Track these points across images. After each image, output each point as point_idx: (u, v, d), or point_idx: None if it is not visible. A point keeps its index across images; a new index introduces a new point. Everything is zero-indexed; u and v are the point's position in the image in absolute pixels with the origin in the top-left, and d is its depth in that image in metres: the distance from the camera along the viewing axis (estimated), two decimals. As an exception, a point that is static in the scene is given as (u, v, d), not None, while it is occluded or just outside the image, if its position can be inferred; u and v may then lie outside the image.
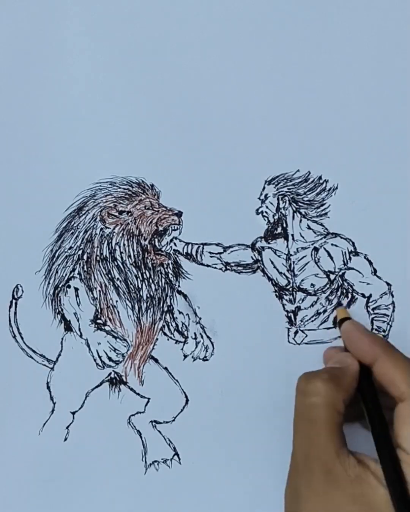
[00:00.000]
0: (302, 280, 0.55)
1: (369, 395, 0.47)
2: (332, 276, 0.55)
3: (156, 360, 0.55)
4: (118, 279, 0.55)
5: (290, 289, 0.55)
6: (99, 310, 0.56)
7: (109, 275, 0.55)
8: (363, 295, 0.55)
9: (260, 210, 0.56)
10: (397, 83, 0.56)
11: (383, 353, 0.46)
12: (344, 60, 0.56)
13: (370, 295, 0.55)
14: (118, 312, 0.55)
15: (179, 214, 0.56)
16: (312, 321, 0.55)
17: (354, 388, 0.46)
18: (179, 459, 0.54)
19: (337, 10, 0.57)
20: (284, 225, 0.56)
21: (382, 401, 0.47)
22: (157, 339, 0.56)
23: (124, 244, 0.56)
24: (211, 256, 0.56)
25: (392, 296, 0.55)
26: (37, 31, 0.58)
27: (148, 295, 0.55)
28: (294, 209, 0.56)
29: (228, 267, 0.56)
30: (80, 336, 0.55)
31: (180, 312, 0.56)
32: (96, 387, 0.55)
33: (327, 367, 0.49)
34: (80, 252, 0.56)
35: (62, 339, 0.55)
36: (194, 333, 0.55)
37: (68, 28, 0.58)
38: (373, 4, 0.57)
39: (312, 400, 0.44)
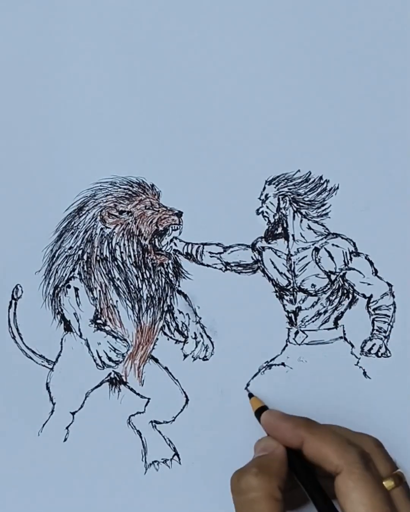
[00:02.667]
0: (303, 281, 0.55)
1: (304, 474, 0.47)
2: (332, 277, 0.55)
3: (156, 360, 0.55)
4: (118, 279, 0.55)
5: (291, 289, 0.55)
6: (99, 310, 0.55)
7: (109, 275, 0.55)
8: (364, 296, 0.55)
9: (260, 210, 0.56)
10: (397, 83, 0.56)
11: (307, 433, 0.46)
12: (345, 60, 0.56)
13: (371, 296, 0.55)
14: (118, 312, 0.55)
15: (179, 214, 0.56)
16: (313, 321, 0.55)
17: (285, 470, 0.46)
18: (179, 459, 0.54)
19: (337, 10, 0.57)
20: (285, 225, 0.56)
21: (322, 471, 0.46)
22: (157, 339, 0.55)
23: (124, 244, 0.56)
24: (211, 256, 0.56)
25: (393, 296, 0.55)
26: (37, 31, 0.58)
27: (148, 295, 0.55)
28: (295, 209, 0.56)
29: (228, 267, 0.55)
30: (80, 336, 0.55)
31: (180, 312, 0.55)
32: (96, 387, 0.55)
33: (254, 458, 0.48)
34: (80, 252, 0.56)
35: (62, 339, 0.55)
36: (194, 333, 0.55)
37: (68, 28, 0.57)
38: (373, 4, 0.57)
39: (249, 496, 0.44)
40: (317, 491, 0.46)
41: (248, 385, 0.54)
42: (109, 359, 0.55)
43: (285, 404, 0.54)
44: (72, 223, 0.56)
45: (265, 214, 0.56)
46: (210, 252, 0.56)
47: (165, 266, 0.56)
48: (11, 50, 0.58)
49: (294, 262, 0.55)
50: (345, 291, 0.55)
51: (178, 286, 0.56)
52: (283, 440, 0.48)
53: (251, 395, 0.54)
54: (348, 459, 0.44)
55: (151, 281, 0.55)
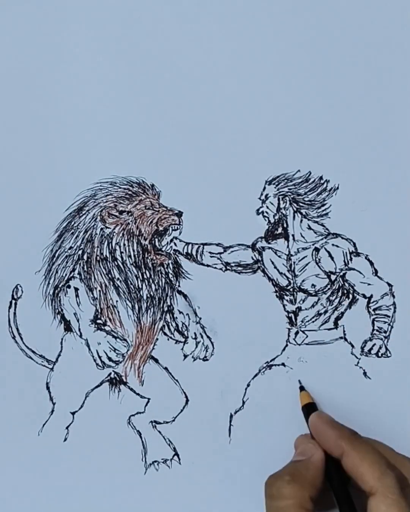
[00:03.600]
0: (303, 281, 0.55)
1: (337, 484, 0.47)
2: (333, 277, 0.55)
3: (156, 360, 0.55)
4: (118, 279, 0.55)
5: (291, 289, 0.55)
6: (99, 310, 0.55)
7: (109, 275, 0.55)
8: (364, 296, 0.55)
9: (260, 210, 0.56)
10: (397, 83, 0.56)
11: (349, 447, 0.46)
12: (344, 60, 0.56)
13: (371, 296, 0.55)
14: (118, 312, 0.55)
15: (179, 214, 0.56)
16: (313, 321, 0.55)
17: (320, 479, 0.46)
18: (179, 459, 0.54)
19: (337, 10, 0.57)
20: (285, 225, 0.56)
21: (356, 485, 0.46)
22: (157, 339, 0.55)
23: (124, 244, 0.56)
24: (211, 256, 0.56)
25: (393, 296, 0.55)
26: (39, 32, 0.58)
27: (148, 295, 0.55)
28: (295, 209, 0.56)
29: (228, 267, 0.55)
30: (80, 336, 0.55)
31: (180, 312, 0.55)
32: (96, 387, 0.55)
33: (290, 464, 0.48)
34: (80, 252, 0.56)
35: (62, 339, 0.55)
36: (194, 333, 0.55)
37: (69, 28, 0.58)
38: (373, 4, 0.57)
39: (279, 504, 0.44)
40: (348, 505, 0.46)
41: (300, 384, 0.54)
42: (109, 359, 0.55)
43: (285, 404, 0.54)
44: (72, 223, 0.56)
45: (265, 214, 0.56)
46: (210, 252, 0.56)
47: (165, 266, 0.56)
48: (11, 50, 0.58)
49: (294, 262, 0.55)
50: (345, 291, 0.55)
51: (178, 286, 0.56)
52: (324, 446, 0.48)
53: (302, 388, 0.53)
54: (384, 483, 0.44)
55: (151, 281, 0.55)
